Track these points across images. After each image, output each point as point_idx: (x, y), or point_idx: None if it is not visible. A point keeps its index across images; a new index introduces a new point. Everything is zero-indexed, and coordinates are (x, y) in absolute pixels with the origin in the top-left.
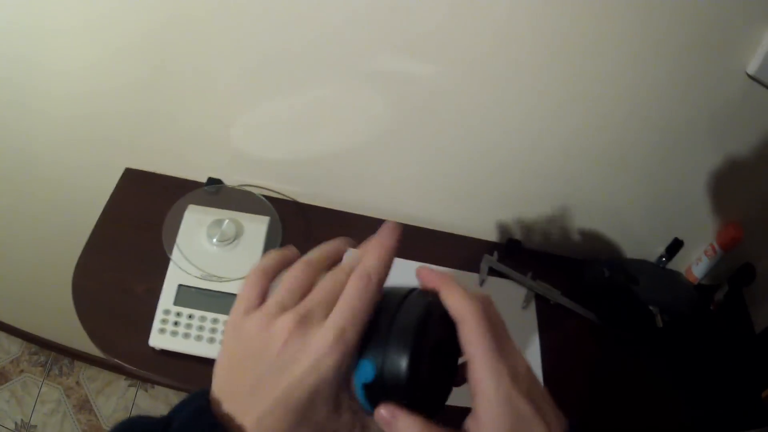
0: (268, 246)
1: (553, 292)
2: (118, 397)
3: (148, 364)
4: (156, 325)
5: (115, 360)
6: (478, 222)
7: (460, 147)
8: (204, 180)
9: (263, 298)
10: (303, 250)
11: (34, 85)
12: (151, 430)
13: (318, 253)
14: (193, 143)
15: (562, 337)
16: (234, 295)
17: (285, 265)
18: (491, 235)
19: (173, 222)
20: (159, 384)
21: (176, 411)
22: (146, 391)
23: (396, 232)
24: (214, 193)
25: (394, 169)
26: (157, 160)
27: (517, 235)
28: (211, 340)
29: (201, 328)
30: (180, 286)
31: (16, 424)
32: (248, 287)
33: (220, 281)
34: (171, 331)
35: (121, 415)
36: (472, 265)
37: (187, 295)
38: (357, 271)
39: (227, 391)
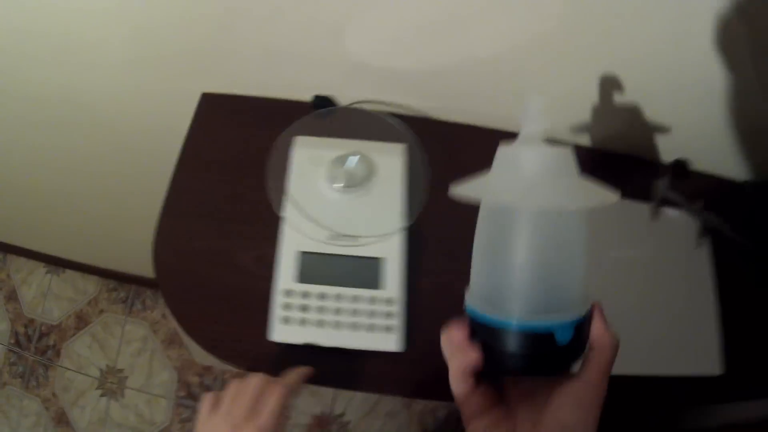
0: (413, 184)
1: (724, 227)
2: None
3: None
4: (278, 312)
5: (226, 363)
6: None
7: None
8: (308, 99)
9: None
10: (448, 178)
11: None
12: None
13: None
14: (293, 50)
15: (741, 279)
16: (374, 258)
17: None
18: (649, 152)
19: (279, 163)
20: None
21: None
22: None
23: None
24: (324, 116)
25: (544, 81)
26: (241, 78)
27: (682, 153)
28: (337, 325)
29: (321, 309)
30: (303, 254)
31: (101, 370)
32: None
33: (350, 244)
34: (299, 318)
35: None
36: (634, 191)
37: (312, 267)
38: (281, 387)
39: None
